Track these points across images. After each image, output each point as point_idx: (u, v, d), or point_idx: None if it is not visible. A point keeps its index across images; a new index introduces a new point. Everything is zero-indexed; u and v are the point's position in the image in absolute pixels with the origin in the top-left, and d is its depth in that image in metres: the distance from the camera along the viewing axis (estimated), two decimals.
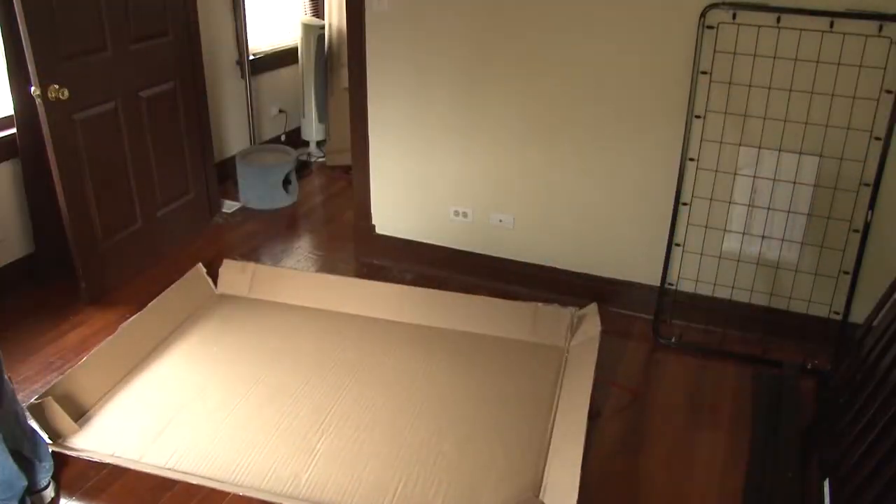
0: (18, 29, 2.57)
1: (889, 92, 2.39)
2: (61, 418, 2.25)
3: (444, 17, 2.87)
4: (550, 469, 2.14)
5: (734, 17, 2.47)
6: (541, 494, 2.05)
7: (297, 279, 3.11)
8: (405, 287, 3.05)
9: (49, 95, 2.67)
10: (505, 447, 2.26)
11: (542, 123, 2.89)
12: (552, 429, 2.32)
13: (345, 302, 2.98)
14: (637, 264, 2.95)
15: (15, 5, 2.52)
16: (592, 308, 2.78)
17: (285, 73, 4.66)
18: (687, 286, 2.87)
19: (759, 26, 2.46)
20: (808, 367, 2.62)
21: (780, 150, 2.59)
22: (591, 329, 2.68)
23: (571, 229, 3.02)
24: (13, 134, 2.92)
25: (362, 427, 2.34)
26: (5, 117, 2.95)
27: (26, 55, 2.60)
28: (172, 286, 2.94)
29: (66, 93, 2.72)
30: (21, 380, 2.53)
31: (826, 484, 1.94)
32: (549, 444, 2.26)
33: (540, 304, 2.83)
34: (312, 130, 4.64)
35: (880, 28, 2.33)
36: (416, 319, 2.90)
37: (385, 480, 2.13)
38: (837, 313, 2.69)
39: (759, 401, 2.46)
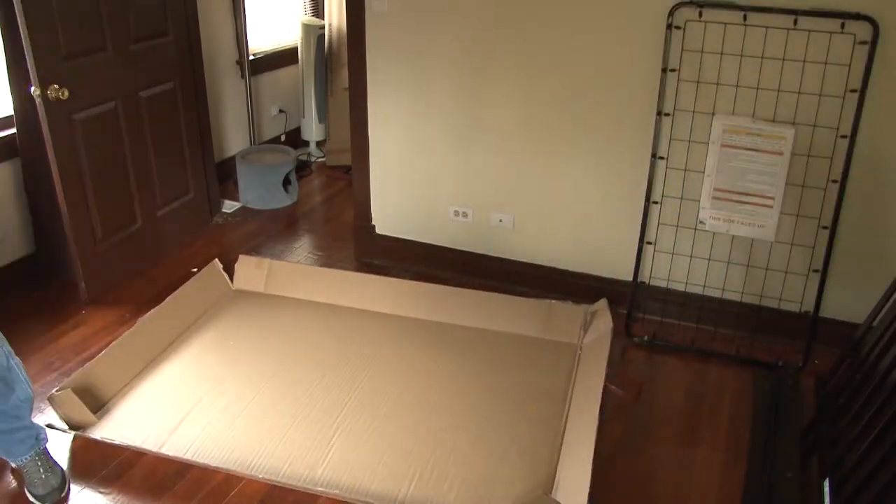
0: (18, 29, 2.57)
1: (854, 91, 2.41)
2: (80, 409, 2.28)
3: (443, 17, 2.87)
4: (562, 466, 2.15)
5: (700, 14, 2.49)
6: (553, 491, 2.06)
7: (312, 275, 3.11)
8: (420, 283, 3.05)
9: (49, 95, 2.67)
10: (518, 443, 2.27)
11: (541, 123, 2.89)
12: (565, 425, 2.33)
13: (360, 298, 3.00)
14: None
15: (15, 5, 2.52)
16: (602, 304, 2.79)
17: (285, 73, 4.66)
18: (671, 284, 2.88)
19: (726, 24, 2.48)
20: (780, 363, 2.64)
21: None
22: (602, 326, 2.69)
23: (572, 229, 3.02)
24: (13, 134, 2.92)
25: (377, 421, 2.36)
26: (5, 117, 2.95)
27: (26, 55, 2.60)
28: (189, 281, 2.95)
29: (66, 93, 2.72)
30: None
31: (826, 484, 1.94)
32: (562, 441, 2.27)
33: (553, 301, 2.84)
34: (312, 130, 4.64)
35: (842, 25, 2.35)
36: (432, 316, 2.91)
37: (399, 474, 2.15)
38: (808, 312, 2.71)
39: (758, 400, 2.46)
